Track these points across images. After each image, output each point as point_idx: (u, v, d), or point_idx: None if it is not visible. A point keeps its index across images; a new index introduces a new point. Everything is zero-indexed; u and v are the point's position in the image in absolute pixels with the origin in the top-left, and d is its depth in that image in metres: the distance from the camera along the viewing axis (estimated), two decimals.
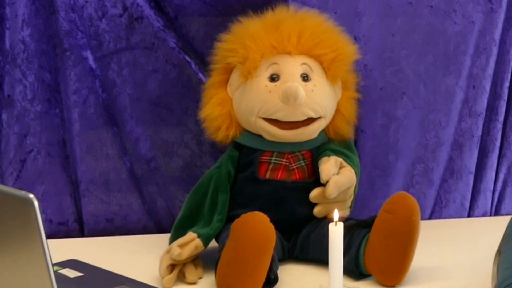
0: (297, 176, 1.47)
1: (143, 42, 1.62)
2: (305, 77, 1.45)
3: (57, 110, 1.66)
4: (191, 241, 1.38)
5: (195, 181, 1.53)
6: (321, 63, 1.46)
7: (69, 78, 1.62)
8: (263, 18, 1.49)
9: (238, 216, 1.31)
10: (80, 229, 1.70)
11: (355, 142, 1.64)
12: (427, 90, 1.67)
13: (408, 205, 1.33)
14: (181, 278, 1.38)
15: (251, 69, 1.43)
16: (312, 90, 1.44)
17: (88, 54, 1.63)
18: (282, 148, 1.47)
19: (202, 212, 1.47)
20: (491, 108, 1.71)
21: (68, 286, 1.33)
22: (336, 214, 1.22)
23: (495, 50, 1.67)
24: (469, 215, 1.76)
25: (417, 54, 1.65)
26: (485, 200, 1.76)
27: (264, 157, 1.47)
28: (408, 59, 1.65)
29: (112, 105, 1.66)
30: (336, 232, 1.20)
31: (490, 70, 1.68)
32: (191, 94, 1.63)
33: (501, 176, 1.75)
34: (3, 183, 1.62)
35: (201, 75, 1.61)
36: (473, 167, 1.73)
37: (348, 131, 1.52)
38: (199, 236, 1.39)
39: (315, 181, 1.45)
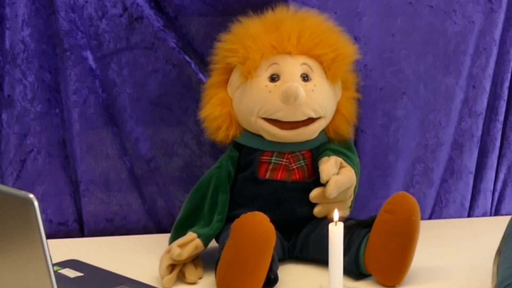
0: (297, 176, 1.47)
1: (143, 42, 1.62)
2: (305, 77, 1.45)
3: (57, 110, 1.66)
4: (191, 241, 1.38)
5: (195, 181, 1.53)
6: (321, 63, 1.46)
7: (69, 78, 1.62)
8: (263, 18, 1.49)
9: (238, 216, 1.31)
10: (80, 229, 1.70)
11: (355, 142, 1.64)
12: (427, 90, 1.67)
13: (408, 205, 1.33)
14: (181, 278, 1.38)
15: (251, 69, 1.43)
16: (312, 90, 1.44)
17: (88, 54, 1.63)
18: (282, 148, 1.47)
19: (202, 212, 1.47)
20: (491, 108, 1.71)
21: (68, 286, 1.33)
22: (336, 214, 1.22)
23: (495, 50, 1.67)
24: (469, 215, 1.76)
25: (417, 54, 1.65)
26: (485, 200, 1.76)
27: (264, 157, 1.47)
28: (408, 59, 1.65)
29: (112, 105, 1.66)
30: (336, 232, 1.20)
31: (490, 70, 1.68)
32: (191, 94, 1.63)
33: (501, 176, 1.75)
34: (3, 183, 1.62)
35: (201, 75, 1.61)
36: (473, 167, 1.73)
37: (348, 131, 1.53)
38: (199, 236, 1.39)
39: (315, 181, 1.45)
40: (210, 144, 1.63)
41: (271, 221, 1.29)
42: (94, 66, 1.64)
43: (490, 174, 1.74)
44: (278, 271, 1.35)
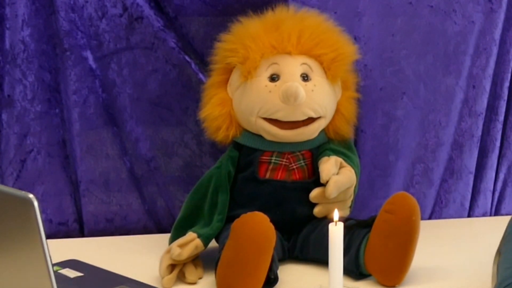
0: (297, 176, 1.47)
1: (143, 42, 1.62)
2: (305, 77, 1.45)
3: (57, 110, 1.66)
4: (191, 241, 1.38)
5: (195, 181, 1.53)
6: (321, 63, 1.46)
7: (69, 78, 1.62)
8: (263, 18, 1.49)
9: (238, 216, 1.31)
10: (80, 229, 1.70)
11: (355, 142, 1.64)
12: (427, 90, 1.67)
13: (408, 205, 1.33)
14: (181, 278, 1.38)
15: (251, 69, 1.43)
16: (312, 90, 1.44)
17: (88, 54, 1.63)
18: (282, 148, 1.47)
19: (202, 212, 1.47)
20: (491, 108, 1.71)
21: (68, 286, 1.33)
22: (336, 214, 1.22)
23: (495, 50, 1.67)
24: (469, 215, 1.76)
25: (417, 54, 1.65)
26: (485, 200, 1.76)
27: (264, 157, 1.47)
28: (408, 59, 1.65)
29: (112, 105, 1.66)
30: (336, 232, 1.20)
31: (490, 70, 1.68)
32: (191, 94, 1.63)
33: (501, 176, 1.75)
34: (3, 183, 1.62)
35: (201, 75, 1.61)
36: (473, 167, 1.73)
37: (348, 131, 1.53)
38: (199, 236, 1.39)
39: (315, 181, 1.45)
40: (210, 144, 1.63)
41: (271, 221, 1.29)
42: (94, 66, 1.64)
43: (490, 174, 1.74)
44: (278, 271, 1.35)
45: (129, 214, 1.69)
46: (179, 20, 1.63)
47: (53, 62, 1.63)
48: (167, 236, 1.51)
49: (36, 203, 0.89)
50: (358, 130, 1.65)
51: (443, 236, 1.62)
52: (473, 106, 1.70)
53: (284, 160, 1.47)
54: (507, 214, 1.77)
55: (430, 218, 1.74)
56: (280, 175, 1.47)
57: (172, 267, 1.37)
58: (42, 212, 0.91)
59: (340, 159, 1.45)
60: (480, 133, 1.71)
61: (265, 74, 1.44)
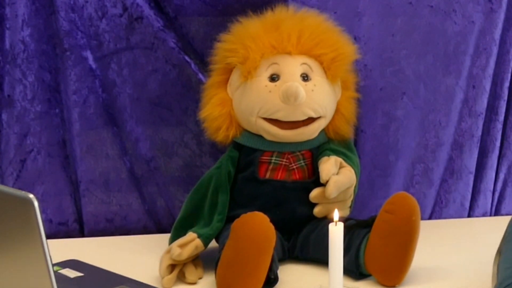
0: (297, 176, 1.47)
1: (143, 42, 1.62)
2: (305, 77, 1.45)
3: (57, 110, 1.66)
4: (191, 241, 1.38)
5: (195, 181, 1.53)
6: (321, 63, 1.46)
7: (69, 78, 1.62)
8: (263, 18, 1.49)
9: (238, 216, 1.31)
10: (80, 229, 1.70)
11: (355, 142, 1.64)
12: (427, 90, 1.67)
13: (408, 205, 1.33)
14: (181, 278, 1.38)
15: (251, 69, 1.43)
16: (312, 90, 1.44)
17: (88, 54, 1.63)
18: (282, 148, 1.47)
19: (202, 212, 1.47)
20: (491, 108, 1.71)
21: (68, 286, 1.33)
22: (336, 214, 1.22)
23: (495, 50, 1.67)
24: (469, 215, 1.76)
25: (417, 54, 1.65)
26: (485, 200, 1.76)
27: (264, 157, 1.47)
28: (408, 59, 1.65)
29: (112, 105, 1.66)
30: (336, 232, 1.20)
31: (490, 70, 1.68)
32: (191, 94, 1.63)
33: (501, 176, 1.75)
34: (3, 183, 1.62)
35: (200, 75, 1.61)
36: (473, 167, 1.73)
37: (348, 131, 1.53)
38: (199, 236, 1.39)
39: (315, 181, 1.45)
40: (210, 144, 1.63)
41: (271, 221, 1.29)
42: (94, 66, 1.64)
43: (490, 174, 1.74)
44: (278, 271, 1.35)
45: (129, 214, 1.69)
46: (179, 20, 1.63)
47: (53, 62, 1.63)
48: (167, 236, 1.51)
49: (36, 203, 0.89)
50: (358, 130, 1.65)
51: (443, 236, 1.62)
52: (473, 106, 1.70)
53: (284, 160, 1.47)
54: (507, 214, 1.77)
55: (430, 218, 1.74)
56: (280, 175, 1.47)
57: (172, 267, 1.37)
58: (42, 212, 0.91)
59: (340, 159, 1.45)
60: (480, 133, 1.71)
61: (265, 74, 1.44)
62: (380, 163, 1.69)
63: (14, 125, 1.62)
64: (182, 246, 1.37)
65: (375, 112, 1.66)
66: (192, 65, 1.62)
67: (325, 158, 1.45)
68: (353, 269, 1.37)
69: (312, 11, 1.53)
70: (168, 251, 1.37)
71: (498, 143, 1.73)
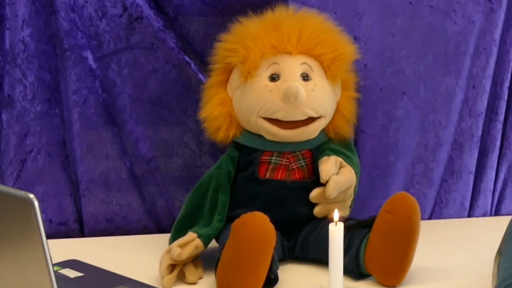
0: (297, 176, 1.47)
1: (143, 42, 1.62)
2: (305, 77, 1.45)
3: (57, 110, 1.66)
4: (191, 241, 1.38)
5: (195, 181, 1.53)
6: (321, 63, 1.46)
7: (69, 78, 1.62)
8: (263, 18, 1.49)
9: (238, 216, 1.31)
10: (80, 229, 1.70)
11: (355, 142, 1.64)
12: (427, 90, 1.67)
13: (408, 205, 1.33)
14: (181, 278, 1.38)
15: (251, 69, 1.43)
16: (313, 90, 1.44)
17: (88, 54, 1.63)
18: (282, 148, 1.47)
19: (202, 212, 1.47)
20: (491, 108, 1.71)
21: (68, 286, 1.33)
22: (336, 214, 1.22)
23: (495, 50, 1.67)
24: (469, 215, 1.76)
25: (417, 54, 1.65)
26: (485, 200, 1.76)
27: (264, 157, 1.47)
28: (408, 59, 1.65)
29: (112, 105, 1.66)
30: (336, 232, 1.20)
31: (490, 70, 1.68)
32: (191, 94, 1.63)
33: (501, 176, 1.75)
34: (3, 183, 1.62)
35: (200, 75, 1.61)
36: (473, 167, 1.73)
37: (347, 131, 1.53)
38: (199, 236, 1.39)
39: (315, 181, 1.45)
40: (210, 144, 1.63)
41: (271, 221, 1.29)
42: (94, 66, 1.63)
43: (490, 174, 1.74)
44: (278, 271, 1.35)
45: (129, 214, 1.69)
46: (179, 20, 1.63)
47: (53, 62, 1.63)
48: (167, 236, 1.51)
49: (36, 203, 0.89)
50: (358, 130, 1.65)
51: (443, 236, 1.62)
52: (473, 106, 1.70)
53: (284, 160, 1.47)
54: (507, 214, 1.77)
55: (430, 218, 1.74)
56: (280, 175, 1.47)
57: (172, 267, 1.37)
58: (42, 212, 0.91)
59: (340, 159, 1.45)
60: (480, 133, 1.71)
61: (265, 74, 1.44)
62: (380, 163, 1.69)
63: (14, 125, 1.62)
64: (182, 246, 1.37)
65: (375, 112, 1.66)
66: (192, 65, 1.62)
67: (325, 158, 1.45)
68: (353, 269, 1.37)
69: (312, 11, 1.53)
70: (168, 251, 1.37)
71: (498, 143, 1.73)
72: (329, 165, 1.42)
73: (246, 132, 1.49)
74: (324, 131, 1.50)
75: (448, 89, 1.68)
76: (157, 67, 1.63)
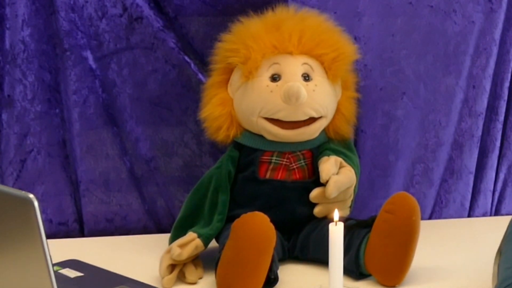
0: (297, 176, 1.47)
1: (143, 42, 1.62)
2: (306, 77, 1.45)
3: (57, 110, 1.66)
4: (191, 241, 1.38)
5: (195, 181, 1.53)
6: (322, 63, 1.46)
7: (69, 78, 1.62)
8: (263, 18, 1.49)
9: (238, 216, 1.31)
10: (80, 229, 1.70)
11: (355, 142, 1.64)
12: (427, 90, 1.67)
13: (408, 205, 1.33)
14: (181, 278, 1.38)
15: (252, 69, 1.43)
16: (314, 90, 1.44)
17: (88, 54, 1.63)
18: (283, 148, 1.47)
19: (202, 212, 1.47)
20: (491, 108, 1.71)
21: (68, 286, 1.33)
22: (336, 214, 1.22)
23: (495, 50, 1.67)
24: (469, 215, 1.76)
25: (417, 54, 1.65)
26: (485, 200, 1.76)
27: (265, 157, 1.47)
28: (408, 59, 1.65)
29: (112, 105, 1.66)
30: (336, 232, 1.20)
31: (490, 70, 1.68)
32: (191, 94, 1.63)
33: (501, 176, 1.75)
34: (3, 183, 1.62)
35: (200, 75, 1.61)
36: (473, 167, 1.73)
37: (348, 131, 1.53)
38: (199, 236, 1.39)
39: (315, 181, 1.45)
40: (210, 144, 1.63)
41: (271, 221, 1.29)
42: (94, 66, 1.64)
43: (490, 174, 1.74)
44: (278, 271, 1.35)
45: (129, 214, 1.69)
46: (179, 20, 1.63)
47: (53, 62, 1.63)
48: (167, 236, 1.51)
49: (36, 203, 0.89)
50: (358, 130, 1.65)
51: (443, 236, 1.62)
52: (473, 106, 1.70)
53: (285, 160, 1.47)
54: (507, 214, 1.77)
55: (430, 218, 1.74)
56: (280, 175, 1.47)
57: (172, 267, 1.37)
58: (42, 212, 0.91)
59: (340, 159, 1.45)
60: (480, 133, 1.71)
61: (266, 74, 1.44)
62: (380, 163, 1.69)
63: (14, 125, 1.62)
64: (182, 246, 1.37)
65: (375, 112, 1.66)
66: (192, 65, 1.62)
67: (325, 158, 1.45)
68: (353, 269, 1.37)
69: (313, 11, 1.53)
70: (168, 251, 1.37)
71: (498, 143, 1.73)
72: (329, 165, 1.42)
73: (247, 132, 1.49)
74: (324, 131, 1.50)
75: (448, 89, 1.68)
76: (157, 67, 1.63)
